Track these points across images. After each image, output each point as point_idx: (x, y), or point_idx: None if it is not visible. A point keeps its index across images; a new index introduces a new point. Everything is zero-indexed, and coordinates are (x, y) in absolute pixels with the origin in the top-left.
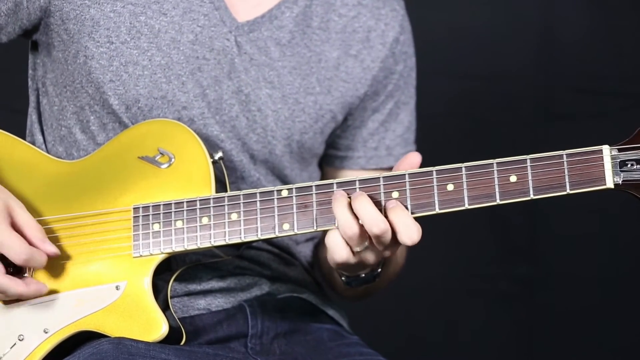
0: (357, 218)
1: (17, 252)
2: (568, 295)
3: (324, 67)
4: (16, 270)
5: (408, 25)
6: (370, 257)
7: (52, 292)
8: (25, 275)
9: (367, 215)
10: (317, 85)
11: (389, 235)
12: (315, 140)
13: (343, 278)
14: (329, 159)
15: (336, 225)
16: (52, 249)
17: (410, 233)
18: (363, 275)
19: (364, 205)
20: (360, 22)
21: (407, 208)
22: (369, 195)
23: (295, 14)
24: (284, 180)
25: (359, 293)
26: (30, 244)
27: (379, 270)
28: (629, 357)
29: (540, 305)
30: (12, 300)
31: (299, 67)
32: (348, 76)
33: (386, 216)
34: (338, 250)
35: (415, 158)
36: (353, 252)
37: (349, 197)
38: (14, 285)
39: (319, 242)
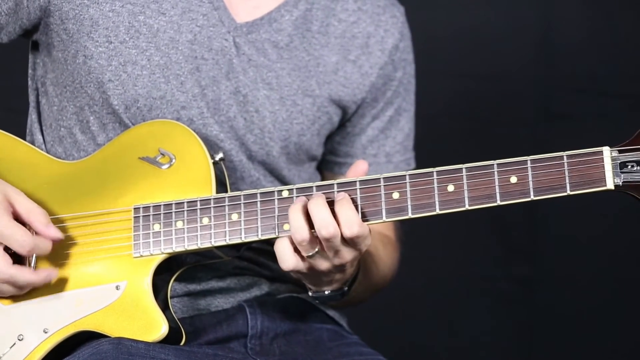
0: (310, 223)
1: (20, 243)
2: (568, 295)
3: (323, 71)
4: (17, 261)
5: (408, 32)
6: (321, 264)
7: (52, 291)
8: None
9: (318, 216)
10: (317, 88)
11: (337, 241)
12: (312, 142)
13: (310, 293)
14: (328, 165)
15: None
16: (55, 233)
17: (351, 227)
18: (327, 292)
19: (318, 207)
20: (360, 28)
21: (407, 208)
22: (370, 195)
23: (294, 17)
24: (283, 181)
25: (338, 303)
26: (35, 229)
27: (346, 289)
28: (629, 357)
29: (540, 305)
30: (15, 298)
31: (297, 69)
32: (346, 81)
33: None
34: (286, 258)
35: (363, 166)
36: (303, 259)
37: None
38: (22, 274)
39: None
